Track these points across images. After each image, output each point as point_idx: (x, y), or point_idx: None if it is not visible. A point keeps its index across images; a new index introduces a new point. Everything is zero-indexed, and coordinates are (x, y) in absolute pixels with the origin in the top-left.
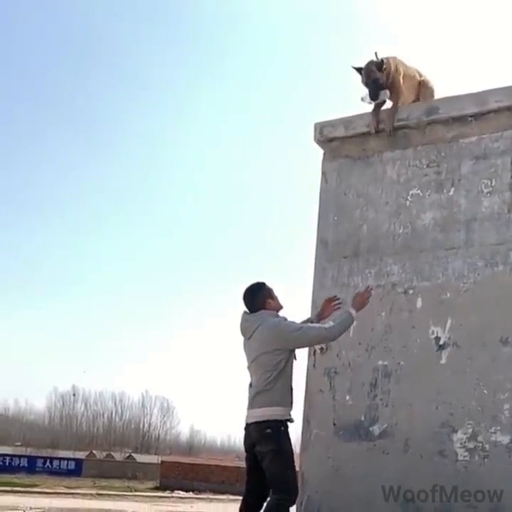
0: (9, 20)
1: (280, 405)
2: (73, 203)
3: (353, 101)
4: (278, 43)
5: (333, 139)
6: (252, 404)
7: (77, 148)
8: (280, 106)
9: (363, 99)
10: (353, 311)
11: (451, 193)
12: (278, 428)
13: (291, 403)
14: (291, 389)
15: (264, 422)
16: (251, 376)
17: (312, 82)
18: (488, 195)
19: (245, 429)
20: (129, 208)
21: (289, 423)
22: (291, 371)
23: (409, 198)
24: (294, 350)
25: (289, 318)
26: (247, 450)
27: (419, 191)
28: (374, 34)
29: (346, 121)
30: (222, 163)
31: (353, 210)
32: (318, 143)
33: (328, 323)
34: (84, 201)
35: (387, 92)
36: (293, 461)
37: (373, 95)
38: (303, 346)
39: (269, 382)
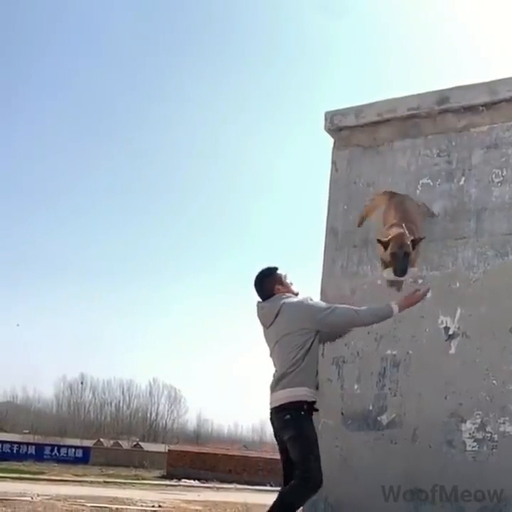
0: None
1: (304, 386)
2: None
3: (363, 89)
4: (287, 27)
5: (343, 127)
6: (275, 387)
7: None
8: (289, 94)
9: (386, 276)
10: (395, 307)
11: (461, 182)
12: (298, 412)
13: (316, 385)
14: (317, 373)
15: (284, 408)
16: (274, 363)
17: (323, 70)
18: (499, 184)
19: (270, 416)
20: (131, 192)
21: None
22: (317, 354)
23: (419, 187)
24: (319, 332)
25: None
26: (275, 438)
27: (429, 180)
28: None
29: (357, 110)
30: (231, 151)
31: (363, 199)
32: (328, 132)
33: (362, 308)
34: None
35: (416, 270)
36: (315, 447)
37: (401, 271)
38: (331, 327)
39: (294, 363)
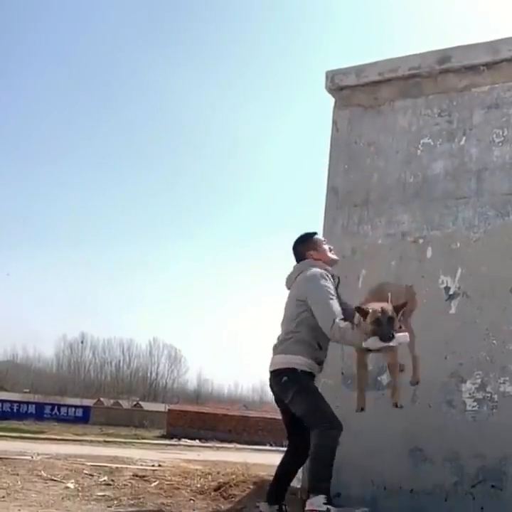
0: None
1: (299, 355)
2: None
3: (364, 49)
4: None
5: (344, 87)
6: (274, 352)
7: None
8: (290, 52)
9: (371, 346)
10: (368, 341)
11: (462, 142)
12: (294, 373)
13: (316, 359)
14: (320, 346)
15: (280, 372)
16: (281, 326)
17: (324, 28)
18: (500, 144)
19: (269, 381)
20: (131, 153)
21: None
22: (318, 329)
23: (420, 147)
24: None
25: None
26: (277, 404)
27: (430, 140)
28: None
29: (358, 70)
30: (231, 114)
31: (364, 158)
32: (329, 91)
33: (347, 323)
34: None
35: (407, 335)
36: (319, 398)
37: (387, 337)
38: (315, 314)
39: (292, 331)
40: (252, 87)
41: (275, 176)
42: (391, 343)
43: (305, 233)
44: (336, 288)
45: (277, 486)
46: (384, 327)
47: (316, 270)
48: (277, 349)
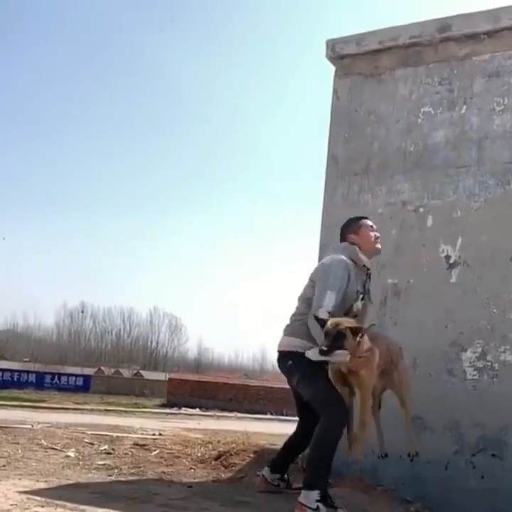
0: None
1: (305, 339)
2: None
3: (366, 17)
4: None
5: (344, 55)
6: (283, 332)
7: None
8: (291, 21)
9: (307, 354)
10: (310, 351)
11: (463, 111)
12: (300, 357)
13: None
14: None
15: (285, 355)
16: None
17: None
18: (501, 113)
19: (277, 359)
20: (131, 122)
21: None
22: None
23: (420, 115)
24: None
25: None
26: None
27: (430, 109)
28: None
29: (358, 38)
30: (236, 83)
31: (364, 127)
32: (329, 60)
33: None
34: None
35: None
36: (323, 383)
37: (327, 349)
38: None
39: (301, 312)
40: (253, 58)
41: (277, 144)
42: (325, 358)
43: (355, 217)
44: (366, 281)
45: (284, 457)
46: (327, 340)
47: (338, 257)
48: (286, 330)
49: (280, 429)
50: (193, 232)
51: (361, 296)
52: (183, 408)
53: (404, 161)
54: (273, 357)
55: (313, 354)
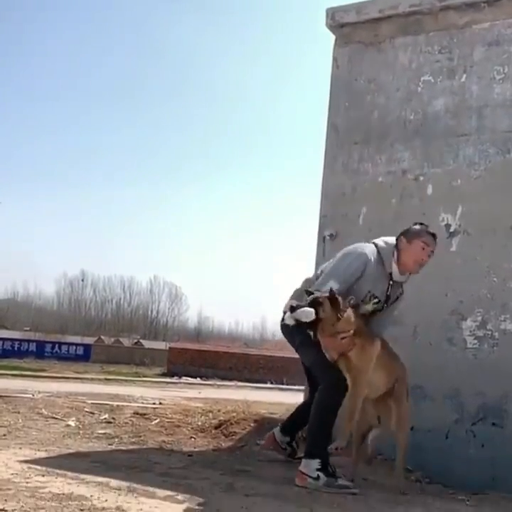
0: None
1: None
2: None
3: None
4: None
5: (344, 24)
6: (291, 295)
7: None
8: None
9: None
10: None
11: (463, 79)
12: (302, 323)
13: None
14: None
15: (285, 324)
16: None
17: None
18: (501, 81)
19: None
20: (134, 89)
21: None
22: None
23: (420, 84)
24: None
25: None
26: None
27: (430, 77)
28: None
29: (358, 7)
30: (233, 48)
31: (364, 96)
32: (329, 28)
33: (316, 299)
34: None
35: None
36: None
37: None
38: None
39: (313, 283)
40: (258, 32)
41: (281, 114)
42: (291, 315)
43: (426, 227)
44: (388, 289)
45: (294, 421)
46: (303, 303)
47: (362, 251)
48: (294, 294)
49: (280, 398)
50: (192, 201)
51: (376, 300)
52: (184, 377)
53: (404, 129)
54: (273, 326)
55: (287, 316)
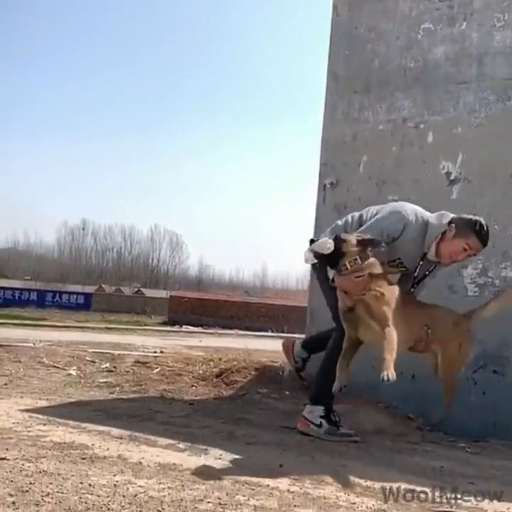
0: None
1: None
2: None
3: None
4: None
5: None
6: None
7: None
8: None
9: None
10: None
11: (463, 27)
12: (315, 264)
13: None
14: None
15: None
16: None
17: None
18: (501, 29)
19: None
20: (136, 45)
21: None
22: None
23: (420, 32)
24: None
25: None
26: None
27: (431, 25)
28: None
29: None
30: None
31: (364, 44)
32: None
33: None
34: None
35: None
36: (332, 298)
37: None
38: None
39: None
40: None
41: (279, 62)
42: (310, 248)
43: (477, 224)
44: (419, 264)
45: (318, 342)
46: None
47: (407, 216)
48: (327, 232)
49: (281, 346)
50: (193, 149)
51: (402, 268)
52: (184, 326)
53: (404, 77)
54: (274, 274)
55: (305, 251)
